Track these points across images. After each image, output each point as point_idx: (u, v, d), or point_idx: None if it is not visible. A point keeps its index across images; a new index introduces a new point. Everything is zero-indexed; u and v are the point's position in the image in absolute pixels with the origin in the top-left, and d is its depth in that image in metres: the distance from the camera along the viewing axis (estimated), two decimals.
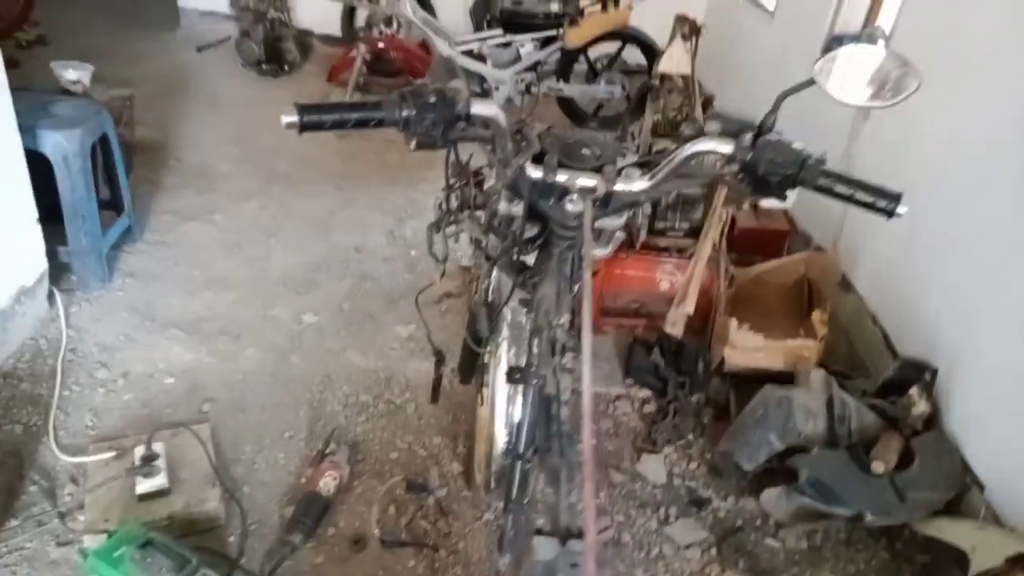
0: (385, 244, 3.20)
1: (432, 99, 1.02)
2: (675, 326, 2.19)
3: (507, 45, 4.34)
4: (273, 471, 2.07)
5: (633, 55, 4.58)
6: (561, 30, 4.25)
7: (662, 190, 1.23)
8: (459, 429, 2.26)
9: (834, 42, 3.23)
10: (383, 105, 1.02)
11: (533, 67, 4.35)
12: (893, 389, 2.29)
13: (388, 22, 4.88)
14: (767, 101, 1.11)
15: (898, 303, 2.61)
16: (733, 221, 3.37)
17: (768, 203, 2.43)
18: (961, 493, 2.07)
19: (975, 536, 1.87)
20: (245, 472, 2.05)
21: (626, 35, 4.39)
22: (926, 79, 1.04)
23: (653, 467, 2.25)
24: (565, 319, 1.20)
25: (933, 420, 2.21)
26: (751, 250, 3.11)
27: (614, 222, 1.35)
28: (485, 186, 1.46)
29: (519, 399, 1.36)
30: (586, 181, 1.19)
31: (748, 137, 1.10)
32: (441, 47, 4.20)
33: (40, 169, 2.38)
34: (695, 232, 2.72)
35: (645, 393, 2.52)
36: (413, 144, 1.06)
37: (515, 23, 4.34)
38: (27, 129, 2.30)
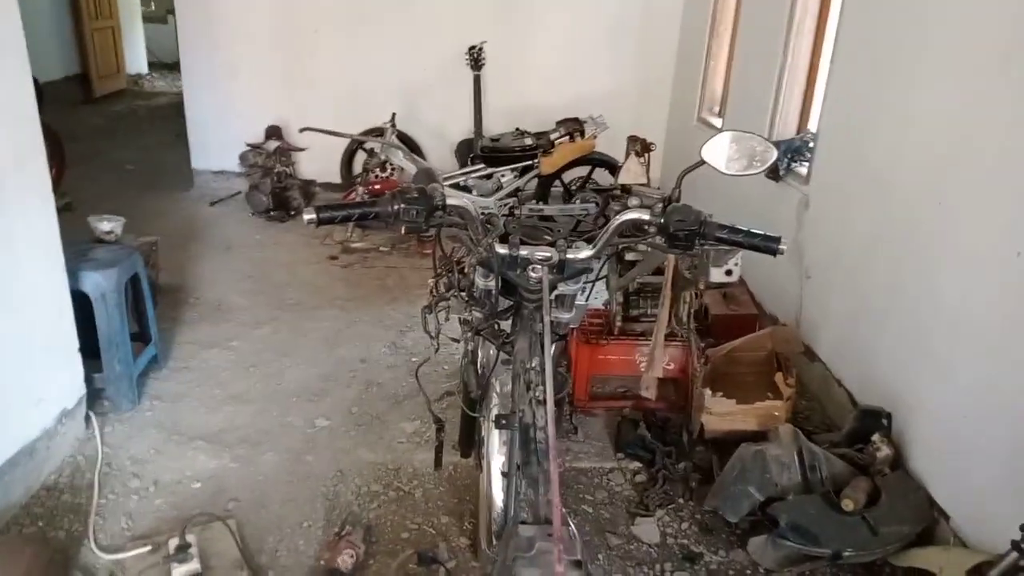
0: (388, 354, 3.48)
1: (415, 195, 1.35)
2: (648, 389, 2.43)
3: (489, 176, 4.84)
4: (295, 556, 2.24)
5: (604, 176, 5.07)
6: (536, 160, 4.77)
7: (605, 254, 1.54)
8: (464, 508, 2.44)
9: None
10: (378, 203, 1.35)
11: (515, 193, 4.82)
12: (859, 439, 2.50)
13: (383, 168, 5.41)
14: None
15: (856, 366, 2.87)
16: (707, 310, 3.69)
17: (718, 278, 2.75)
18: (930, 525, 2.25)
19: (942, 557, 2.04)
20: (269, 559, 2.22)
21: (594, 159, 4.91)
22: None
23: (647, 529, 2.42)
24: (536, 362, 1.48)
25: (898, 462, 2.41)
26: (726, 334, 3.37)
27: (572, 287, 1.65)
28: (466, 270, 1.77)
29: (507, 446, 1.61)
30: (543, 253, 1.50)
31: (659, 206, 1.42)
32: None
33: (80, 305, 2.71)
34: None
35: (636, 465, 2.71)
36: (403, 229, 1.38)
37: (495, 158, 4.89)
38: (71, 272, 2.65)
